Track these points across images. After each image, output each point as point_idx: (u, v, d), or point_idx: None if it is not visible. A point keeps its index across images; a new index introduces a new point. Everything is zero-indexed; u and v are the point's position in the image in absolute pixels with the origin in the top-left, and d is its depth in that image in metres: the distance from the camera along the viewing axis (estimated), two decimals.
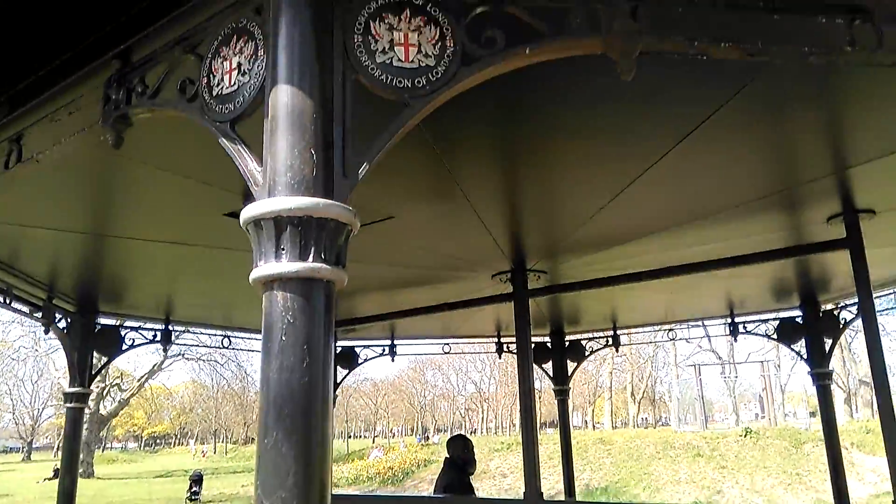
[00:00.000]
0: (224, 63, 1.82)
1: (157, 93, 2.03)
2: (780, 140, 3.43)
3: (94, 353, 6.11)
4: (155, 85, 2.04)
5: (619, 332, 8.95)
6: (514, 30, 1.76)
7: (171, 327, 6.79)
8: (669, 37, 1.82)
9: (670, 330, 8.94)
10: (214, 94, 1.81)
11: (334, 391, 8.16)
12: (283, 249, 1.51)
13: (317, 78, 1.61)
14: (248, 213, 1.55)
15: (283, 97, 1.59)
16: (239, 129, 1.76)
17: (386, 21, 1.73)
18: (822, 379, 7.26)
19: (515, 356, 5.89)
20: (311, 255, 1.51)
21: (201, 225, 4.17)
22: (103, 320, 6.20)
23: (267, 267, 1.51)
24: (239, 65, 1.78)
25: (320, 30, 1.66)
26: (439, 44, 1.73)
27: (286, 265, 1.49)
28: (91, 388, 6.09)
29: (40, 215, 3.90)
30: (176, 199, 3.78)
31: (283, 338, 1.46)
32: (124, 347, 6.32)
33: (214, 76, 1.83)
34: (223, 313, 7.09)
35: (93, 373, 6.04)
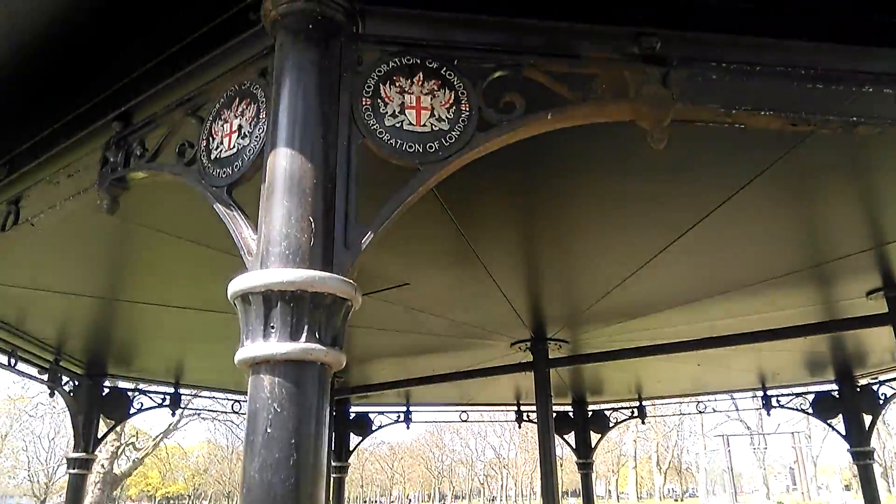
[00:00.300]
0: (224, 126, 1.71)
1: (155, 155, 1.93)
2: (816, 213, 3.26)
3: (101, 417, 5.94)
4: (154, 147, 1.94)
5: (644, 402, 8.59)
6: (534, 94, 1.64)
7: (180, 391, 6.61)
8: (704, 104, 1.69)
9: (699, 402, 8.54)
10: (213, 157, 1.70)
11: (346, 458, 7.83)
12: (272, 328, 1.34)
13: (319, 141, 1.49)
14: (235, 286, 1.40)
15: (283, 161, 1.46)
16: (237, 195, 1.64)
17: (397, 84, 1.62)
18: (862, 458, 6.81)
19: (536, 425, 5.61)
20: (304, 335, 1.35)
21: (212, 290, 4.04)
22: (111, 383, 6.05)
23: (253, 347, 1.34)
24: (240, 127, 1.67)
25: (325, 92, 1.55)
26: (454, 108, 1.61)
27: (275, 345, 1.33)
28: (96, 453, 5.88)
29: (51, 279, 3.83)
30: (187, 264, 3.69)
31: (269, 430, 1.29)
32: (132, 411, 6.15)
33: (214, 139, 1.73)
34: (234, 378, 6.91)
35: (98, 437, 5.84)
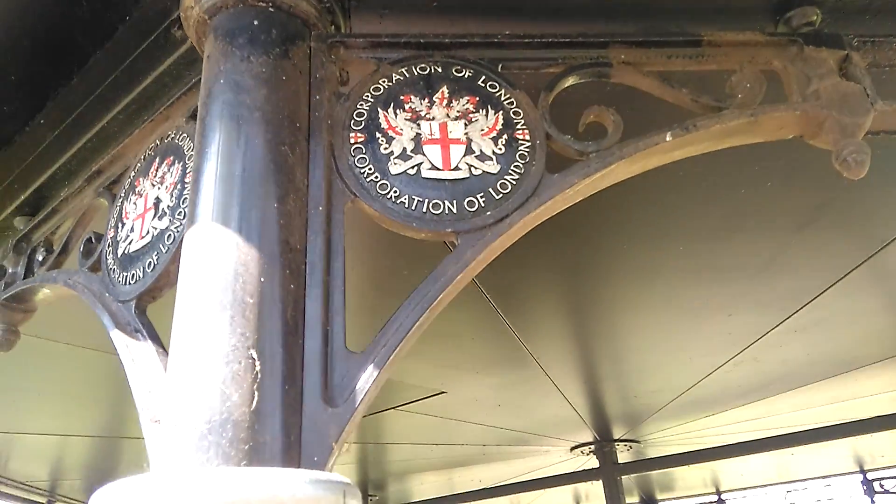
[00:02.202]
0: (137, 203, 1.07)
1: (59, 259, 1.30)
2: None
3: None
4: (59, 247, 1.31)
5: (723, 495, 7.51)
6: (636, 108, 0.99)
7: None
8: None
9: (789, 492, 7.46)
10: (121, 253, 1.05)
11: None
12: None
13: (272, 210, 0.82)
14: None
15: (205, 248, 0.80)
16: (154, 314, 0.98)
17: (407, 106, 0.97)
18: None
19: None
20: None
21: None
22: None
23: None
24: (157, 202, 1.02)
25: (284, 127, 0.89)
26: (504, 137, 0.95)
27: None
28: None
29: (38, 422, 3.26)
30: None
31: None
32: None
33: (123, 224, 1.08)
34: None
35: None
